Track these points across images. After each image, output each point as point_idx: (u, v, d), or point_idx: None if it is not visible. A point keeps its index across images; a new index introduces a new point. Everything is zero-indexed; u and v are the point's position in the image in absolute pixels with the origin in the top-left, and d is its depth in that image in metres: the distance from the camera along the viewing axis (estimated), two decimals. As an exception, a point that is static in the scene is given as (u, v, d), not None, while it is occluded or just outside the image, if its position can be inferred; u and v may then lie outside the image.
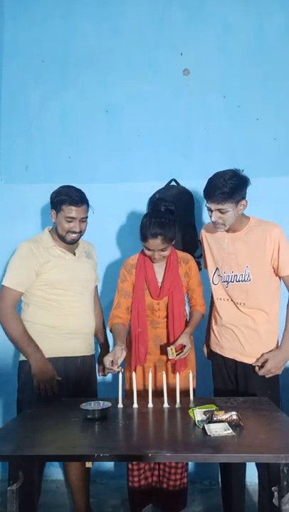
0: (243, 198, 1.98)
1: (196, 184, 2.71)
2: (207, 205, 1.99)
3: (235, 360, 2.09)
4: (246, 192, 1.99)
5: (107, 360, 1.95)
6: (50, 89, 2.90)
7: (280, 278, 2.06)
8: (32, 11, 2.93)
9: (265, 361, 1.99)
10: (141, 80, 2.85)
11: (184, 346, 2.08)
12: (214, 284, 2.17)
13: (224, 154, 2.77)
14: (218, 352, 2.15)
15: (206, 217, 2.74)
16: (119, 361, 1.95)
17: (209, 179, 2.00)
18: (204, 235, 2.24)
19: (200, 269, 2.38)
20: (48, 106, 2.90)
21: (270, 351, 2.02)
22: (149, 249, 2.10)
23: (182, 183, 2.76)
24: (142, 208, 2.78)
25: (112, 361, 1.93)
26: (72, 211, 2.08)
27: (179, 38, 2.84)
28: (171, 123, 2.83)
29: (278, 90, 2.78)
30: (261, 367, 2.01)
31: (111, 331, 2.20)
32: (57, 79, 2.90)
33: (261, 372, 1.99)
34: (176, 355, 2.04)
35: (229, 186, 1.92)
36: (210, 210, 1.99)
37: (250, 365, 2.05)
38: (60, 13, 2.92)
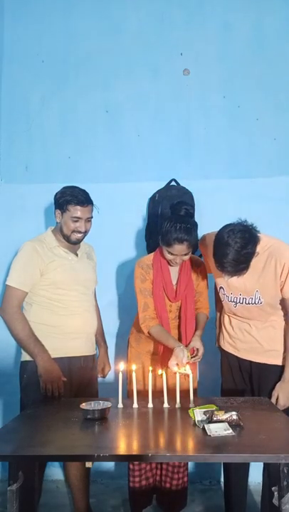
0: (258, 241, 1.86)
1: (196, 184, 2.71)
2: (219, 269, 1.85)
3: (250, 361, 2.07)
4: None
5: (172, 364, 1.92)
6: (50, 89, 2.90)
7: None
8: (32, 11, 2.93)
9: (277, 397, 1.96)
10: (141, 80, 2.85)
11: (197, 350, 2.08)
12: (221, 299, 2.13)
13: (224, 154, 2.77)
14: (233, 353, 2.13)
15: (206, 217, 2.74)
16: (184, 361, 1.93)
17: (218, 245, 1.81)
18: (204, 248, 2.19)
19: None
20: (48, 106, 2.90)
21: (279, 383, 1.98)
22: (171, 254, 2.06)
23: (182, 183, 2.75)
24: (142, 208, 2.78)
25: (178, 364, 1.92)
26: (78, 211, 2.09)
27: (179, 38, 2.84)
28: (171, 123, 2.83)
29: (278, 90, 2.78)
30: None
31: (149, 333, 2.11)
32: (57, 79, 2.90)
33: (280, 407, 1.93)
34: (191, 357, 2.05)
35: (244, 258, 1.78)
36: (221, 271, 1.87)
37: (265, 364, 2.03)
38: (60, 12, 2.91)
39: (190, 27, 2.84)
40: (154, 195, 2.73)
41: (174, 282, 2.18)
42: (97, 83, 2.87)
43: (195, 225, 2.08)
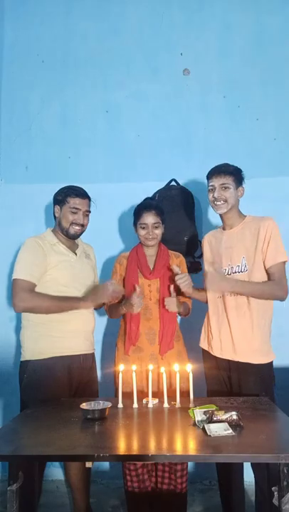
0: (241, 184, 2.11)
1: (196, 184, 2.71)
2: (211, 183, 2.09)
3: (229, 360, 2.08)
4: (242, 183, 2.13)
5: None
6: (50, 89, 2.90)
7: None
8: (32, 11, 2.94)
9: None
10: (141, 79, 2.85)
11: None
12: None
13: (224, 154, 2.76)
14: (211, 352, 2.14)
15: (206, 218, 2.74)
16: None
17: (212, 167, 2.14)
18: (206, 242, 2.28)
19: (200, 269, 2.37)
20: (48, 106, 2.90)
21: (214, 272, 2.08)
22: (143, 228, 2.18)
23: (182, 183, 2.76)
24: (142, 208, 2.78)
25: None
26: (78, 202, 2.14)
27: (179, 38, 2.85)
28: (171, 123, 2.84)
29: (278, 90, 2.78)
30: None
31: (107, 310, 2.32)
32: (57, 79, 2.90)
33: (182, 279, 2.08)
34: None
35: (232, 167, 2.11)
36: (212, 189, 2.08)
37: (244, 363, 2.03)
38: (60, 13, 2.92)
39: (190, 27, 2.84)
40: (154, 195, 2.73)
41: (152, 267, 2.24)
42: (97, 83, 2.88)
43: (161, 205, 2.22)
